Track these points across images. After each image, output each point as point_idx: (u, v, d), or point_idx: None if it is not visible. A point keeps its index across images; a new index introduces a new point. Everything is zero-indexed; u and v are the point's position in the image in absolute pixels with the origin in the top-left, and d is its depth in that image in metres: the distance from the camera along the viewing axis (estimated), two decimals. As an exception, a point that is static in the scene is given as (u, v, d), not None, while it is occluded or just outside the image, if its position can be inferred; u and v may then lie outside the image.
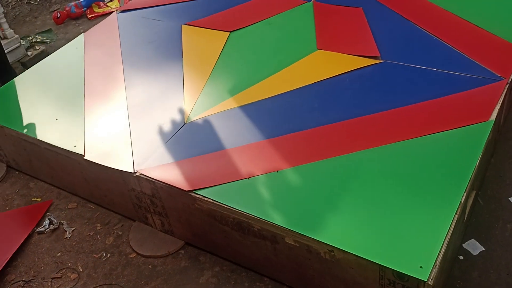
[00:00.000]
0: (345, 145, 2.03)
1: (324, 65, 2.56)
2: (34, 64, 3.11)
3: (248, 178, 1.96)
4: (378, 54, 2.53)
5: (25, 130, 2.45)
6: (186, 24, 3.09)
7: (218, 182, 1.97)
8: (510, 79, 2.21)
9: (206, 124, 2.30)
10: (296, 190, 1.89)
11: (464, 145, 1.92)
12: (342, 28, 2.82)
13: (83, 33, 3.20)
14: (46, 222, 2.40)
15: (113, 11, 4.17)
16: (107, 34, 3.17)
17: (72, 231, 2.37)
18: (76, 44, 3.13)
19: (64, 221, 2.42)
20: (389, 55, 2.52)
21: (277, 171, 1.97)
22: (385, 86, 2.34)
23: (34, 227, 2.40)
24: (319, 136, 2.12)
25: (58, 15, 4.36)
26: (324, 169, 1.95)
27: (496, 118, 2.03)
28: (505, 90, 2.15)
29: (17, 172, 2.79)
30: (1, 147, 2.71)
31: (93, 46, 3.05)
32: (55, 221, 2.41)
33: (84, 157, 2.23)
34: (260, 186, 1.93)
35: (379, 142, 2.01)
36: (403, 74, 2.39)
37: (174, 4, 3.37)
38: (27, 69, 3.21)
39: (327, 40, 2.73)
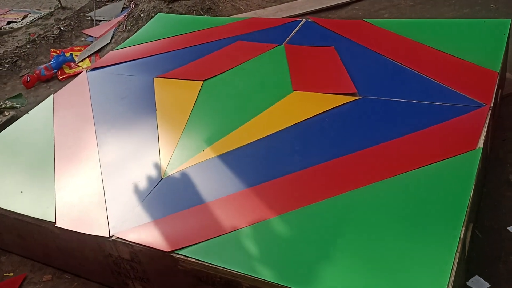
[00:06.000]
0: (333, 187, 1.93)
1: (301, 106, 2.50)
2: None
3: (232, 231, 1.84)
4: (355, 90, 2.47)
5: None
6: (157, 77, 3.02)
7: (201, 239, 1.83)
8: (491, 105, 2.16)
9: (184, 178, 2.19)
10: (285, 240, 1.76)
11: (455, 176, 1.83)
12: (316, 68, 2.78)
13: (52, 95, 3.10)
14: (19, 298, 2.22)
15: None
16: (77, 93, 3.08)
17: (48, 306, 2.19)
18: (45, 106, 3.03)
19: (38, 296, 2.24)
20: (366, 91, 2.47)
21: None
22: (365, 122, 2.27)
23: (6, 306, 2.21)
24: (304, 180, 2.02)
25: (28, 79, 4.28)
26: (312, 215, 1.83)
27: (483, 145, 1.96)
28: (489, 116, 2.09)
29: (-14, 247, 2.60)
30: (-32, 221, 2.54)
31: (63, 107, 2.95)
32: (29, 297, 2.23)
33: (56, 225, 2.08)
34: (246, 239, 1.80)
35: (367, 181, 1.91)
36: (382, 108, 2.34)
37: (144, 59, 3.31)
38: (-3, 136, 3.07)
39: (302, 80, 2.68)
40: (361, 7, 4.43)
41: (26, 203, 2.24)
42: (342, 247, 1.68)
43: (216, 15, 4.50)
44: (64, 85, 3.84)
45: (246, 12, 4.56)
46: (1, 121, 3.68)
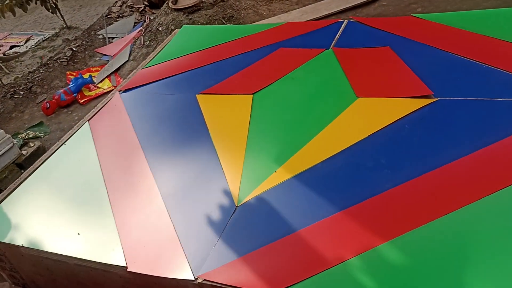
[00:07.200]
0: (442, 204, 1.72)
1: (371, 114, 2.29)
2: (32, 163, 2.75)
3: (339, 264, 1.62)
4: (430, 92, 2.27)
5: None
6: (201, 93, 2.80)
7: (304, 276, 1.62)
8: None
9: (262, 204, 1.97)
10: (406, 270, 1.54)
11: None
12: (376, 71, 2.57)
13: (87, 121, 2.87)
14: None
15: (106, 92, 3.92)
16: (114, 118, 2.85)
17: None
18: (81, 134, 2.80)
19: None
20: (441, 92, 2.27)
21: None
22: (453, 126, 2.06)
23: None
24: (403, 197, 1.80)
25: (48, 106, 4.04)
26: (428, 238, 1.62)
27: None
28: None
29: (38, 295, 2.37)
30: (16, 269, 2.31)
31: (102, 135, 2.72)
32: None
33: (128, 269, 1.85)
34: (358, 272, 1.58)
35: (482, 193, 1.70)
36: (465, 110, 2.13)
37: (179, 75, 3.10)
38: (25, 170, 2.85)
39: (365, 86, 2.47)
40: (390, 3, 4.24)
41: (87, 247, 2.01)
42: (477, 277, 1.46)
43: (239, 23, 4.29)
44: (87, 109, 3.64)
45: (269, 17, 4.36)
46: (27, 153, 3.45)
